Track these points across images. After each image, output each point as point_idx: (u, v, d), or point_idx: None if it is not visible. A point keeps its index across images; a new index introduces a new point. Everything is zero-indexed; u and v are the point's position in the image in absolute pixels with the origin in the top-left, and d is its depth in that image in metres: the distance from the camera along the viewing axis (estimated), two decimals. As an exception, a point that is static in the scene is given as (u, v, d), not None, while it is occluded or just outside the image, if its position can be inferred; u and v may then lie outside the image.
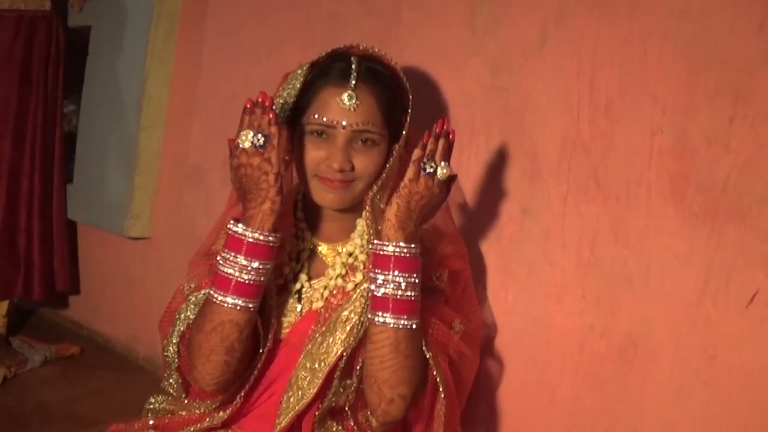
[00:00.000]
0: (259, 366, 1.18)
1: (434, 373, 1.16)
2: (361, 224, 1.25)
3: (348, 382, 1.18)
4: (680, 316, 1.26)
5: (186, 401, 1.29)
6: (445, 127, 1.12)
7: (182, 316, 1.20)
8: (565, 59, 1.43)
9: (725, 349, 1.21)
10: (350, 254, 1.24)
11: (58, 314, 2.89)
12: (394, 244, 1.09)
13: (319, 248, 1.27)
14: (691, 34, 1.26)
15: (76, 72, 2.64)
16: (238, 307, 1.08)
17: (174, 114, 2.43)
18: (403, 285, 1.09)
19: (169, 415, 1.31)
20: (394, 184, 1.17)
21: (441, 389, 1.16)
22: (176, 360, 1.22)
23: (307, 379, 1.18)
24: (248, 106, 1.08)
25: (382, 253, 1.10)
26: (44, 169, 2.49)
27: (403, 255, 1.09)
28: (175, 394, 1.28)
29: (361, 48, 1.21)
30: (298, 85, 1.18)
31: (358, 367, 1.16)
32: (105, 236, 2.63)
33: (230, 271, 1.07)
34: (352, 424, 1.21)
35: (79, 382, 2.28)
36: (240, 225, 1.08)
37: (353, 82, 1.15)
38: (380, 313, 1.09)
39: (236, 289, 1.07)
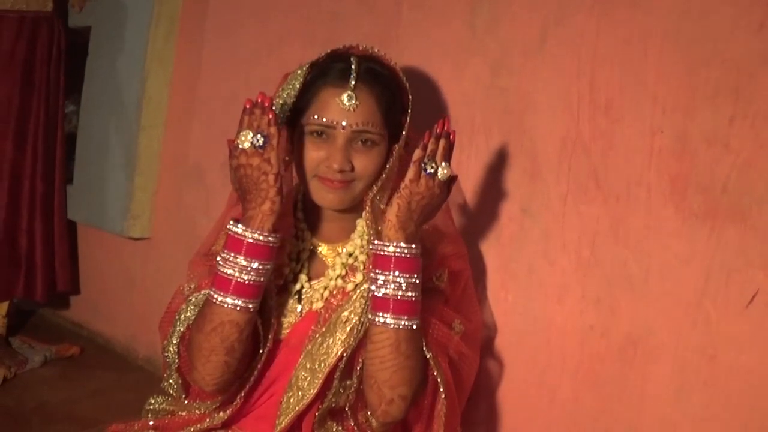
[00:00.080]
0: (259, 366, 1.18)
1: (434, 374, 1.16)
2: (361, 224, 1.25)
3: (348, 382, 1.18)
4: (680, 316, 1.26)
5: (186, 402, 1.29)
6: (445, 128, 1.12)
7: (182, 316, 1.20)
8: (565, 59, 1.43)
9: (725, 349, 1.21)
10: (350, 255, 1.24)
11: (58, 314, 2.89)
12: (394, 244, 1.09)
13: (319, 249, 1.27)
14: (691, 34, 1.26)
15: (76, 72, 2.64)
16: (238, 308, 1.08)
17: (174, 114, 2.43)
18: (403, 285, 1.09)
19: (169, 416, 1.31)
20: (394, 184, 1.17)
21: (441, 389, 1.16)
22: (176, 360, 1.22)
23: (307, 379, 1.18)
24: (248, 106, 1.08)
25: (382, 253, 1.10)
26: (46, 169, 2.49)
27: (403, 255, 1.09)
28: (175, 394, 1.28)
29: (360, 48, 1.21)
30: (297, 86, 1.18)
31: (358, 368, 1.16)
32: (105, 236, 2.63)
33: (230, 271, 1.07)
34: (352, 424, 1.21)
35: (79, 383, 2.28)
36: (240, 225, 1.08)
37: (353, 82, 1.15)
38: (381, 314, 1.09)
39: (236, 290, 1.07)
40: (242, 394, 1.20)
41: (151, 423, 1.30)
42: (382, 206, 1.15)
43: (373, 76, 1.17)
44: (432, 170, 1.10)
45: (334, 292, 1.23)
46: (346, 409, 1.20)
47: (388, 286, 1.09)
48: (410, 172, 1.10)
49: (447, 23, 1.63)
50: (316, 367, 1.18)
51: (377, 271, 1.10)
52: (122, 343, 2.60)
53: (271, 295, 1.18)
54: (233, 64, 2.19)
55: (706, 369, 1.23)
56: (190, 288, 1.23)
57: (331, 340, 1.18)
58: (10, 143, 2.39)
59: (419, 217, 1.12)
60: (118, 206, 2.48)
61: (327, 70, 1.17)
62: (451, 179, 1.14)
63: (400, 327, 1.09)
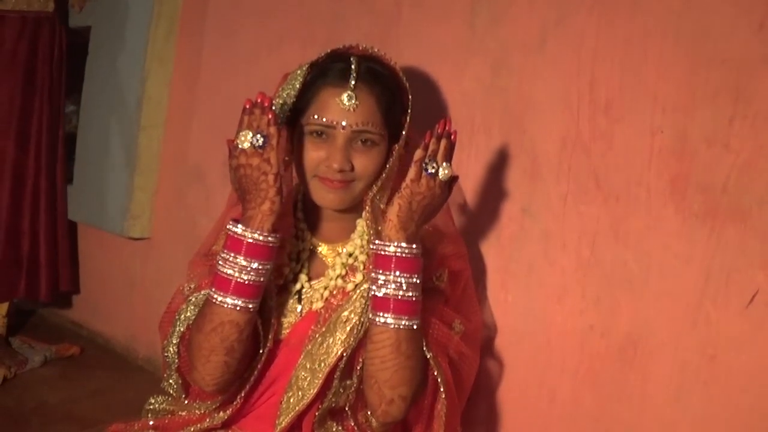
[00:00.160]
0: (259, 366, 1.18)
1: (435, 374, 1.16)
2: (361, 224, 1.25)
3: (348, 382, 1.18)
4: (680, 316, 1.26)
5: (186, 402, 1.29)
6: (447, 128, 1.12)
7: (182, 316, 1.20)
8: (565, 59, 1.43)
9: (725, 349, 1.21)
10: (350, 254, 1.24)
11: (58, 314, 2.88)
12: (395, 244, 1.09)
13: (319, 249, 1.27)
14: (691, 34, 1.26)
15: (76, 72, 2.64)
16: (238, 308, 1.08)
17: (174, 114, 2.43)
18: (404, 285, 1.09)
19: (169, 416, 1.31)
20: (394, 184, 1.17)
21: (442, 389, 1.16)
22: (176, 360, 1.22)
23: (307, 379, 1.18)
24: (247, 106, 1.08)
25: (383, 253, 1.10)
26: (49, 169, 2.49)
27: (404, 255, 1.09)
28: (174, 394, 1.28)
29: (360, 48, 1.21)
30: (297, 86, 1.18)
31: (358, 368, 1.16)
32: (105, 236, 2.63)
33: (230, 271, 1.07)
34: (352, 424, 1.21)
35: (78, 383, 2.28)
36: (239, 225, 1.07)
37: (353, 82, 1.15)
38: (381, 314, 1.09)
39: (236, 290, 1.07)
40: (242, 394, 1.20)
41: (151, 423, 1.30)
42: (382, 206, 1.15)
43: (373, 76, 1.17)
44: (433, 170, 1.10)
45: (334, 292, 1.23)
46: (346, 408, 1.20)
47: (389, 286, 1.09)
48: (411, 172, 1.10)
49: (447, 23, 1.63)
50: (316, 366, 1.18)
51: (378, 270, 1.10)
52: (122, 343, 2.60)
53: (271, 295, 1.18)
54: (233, 64, 2.19)
55: (706, 369, 1.23)
56: (190, 288, 1.23)
57: (331, 340, 1.18)
58: (12, 143, 2.39)
59: (420, 217, 1.12)
60: (118, 206, 2.47)
61: (327, 70, 1.17)
62: (452, 179, 1.14)
63: (401, 327, 1.09)
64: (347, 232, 1.26)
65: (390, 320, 1.09)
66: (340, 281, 1.23)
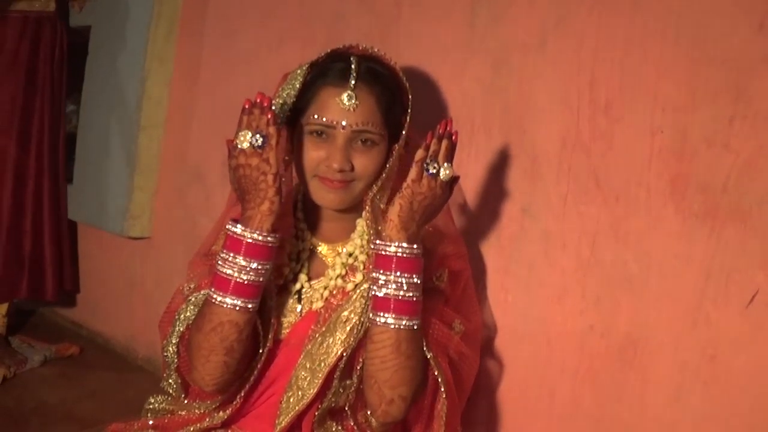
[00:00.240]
0: (259, 366, 1.18)
1: (435, 374, 1.16)
2: (361, 224, 1.25)
3: (348, 382, 1.18)
4: (680, 316, 1.26)
5: (185, 401, 1.29)
6: (448, 129, 1.12)
7: (182, 316, 1.20)
8: (565, 59, 1.43)
9: (725, 349, 1.21)
10: (350, 254, 1.24)
11: (57, 314, 2.89)
12: (396, 244, 1.09)
13: (319, 248, 1.27)
14: (691, 34, 1.26)
15: (76, 72, 2.64)
16: (238, 308, 1.07)
17: (174, 114, 2.43)
18: (404, 285, 1.09)
19: (169, 415, 1.31)
20: (393, 184, 1.17)
21: (443, 389, 1.16)
22: (176, 360, 1.22)
23: (307, 379, 1.18)
24: (246, 106, 1.08)
25: (384, 253, 1.09)
26: (52, 168, 2.50)
27: (405, 255, 1.09)
28: (174, 394, 1.28)
29: (360, 48, 1.21)
30: (297, 85, 1.18)
31: (358, 368, 1.16)
32: (105, 236, 2.63)
33: (229, 271, 1.07)
34: (351, 424, 1.21)
35: (78, 382, 2.28)
36: (239, 226, 1.07)
37: (353, 82, 1.15)
38: (381, 314, 1.09)
39: (235, 290, 1.07)
40: (242, 394, 1.20)
41: (150, 422, 1.30)
42: (382, 206, 1.15)
43: (373, 76, 1.17)
44: (434, 170, 1.10)
45: (334, 292, 1.23)
46: (346, 408, 1.20)
47: (389, 286, 1.09)
48: (412, 172, 1.10)
49: (447, 23, 1.63)
50: (316, 366, 1.18)
51: (378, 270, 1.10)
52: (122, 342, 2.60)
53: (271, 295, 1.18)
54: (233, 64, 2.18)
55: (706, 369, 1.23)
56: (189, 288, 1.23)
57: (331, 340, 1.18)
58: (14, 143, 2.40)
59: (421, 218, 1.12)
60: (117, 206, 2.48)
61: (327, 70, 1.17)
62: (453, 180, 1.14)
63: (401, 327, 1.09)
64: (347, 231, 1.26)
65: (390, 320, 1.09)
66: (340, 281, 1.23)
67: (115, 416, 1.37)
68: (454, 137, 1.12)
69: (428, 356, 1.15)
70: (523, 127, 1.49)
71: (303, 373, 1.18)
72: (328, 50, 1.21)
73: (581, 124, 1.40)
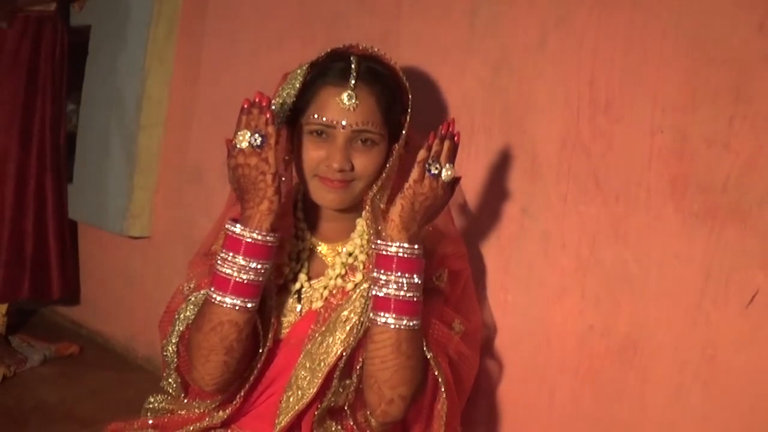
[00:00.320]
0: (258, 366, 1.18)
1: (435, 373, 1.16)
2: (360, 224, 1.25)
3: (347, 382, 1.18)
4: (680, 316, 1.26)
5: (185, 401, 1.29)
6: (450, 129, 1.12)
7: (182, 316, 1.20)
8: (565, 59, 1.43)
9: (725, 349, 1.21)
10: (350, 254, 1.24)
11: (57, 313, 2.89)
12: (397, 244, 1.09)
13: (319, 248, 1.27)
14: (691, 34, 1.26)
15: (76, 71, 2.64)
16: (237, 307, 1.07)
17: (174, 113, 2.43)
18: (405, 286, 1.09)
19: (169, 415, 1.31)
20: (393, 183, 1.17)
21: (443, 389, 1.16)
22: (175, 360, 1.22)
23: (307, 378, 1.18)
24: (245, 106, 1.07)
25: (384, 253, 1.09)
26: (54, 167, 2.50)
27: (406, 256, 1.09)
28: (174, 393, 1.28)
29: (360, 48, 1.21)
30: (297, 85, 1.18)
31: (357, 367, 1.16)
32: (105, 236, 2.63)
33: (229, 271, 1.07)
34: (351, 423, 1.21)
35: (78, 381, 2.28)
36: (238, 225, 1.07)
37: (353, 81, 1.15)
38: (382, 314, 1.09)
39: (235, 289, 1.07)
40: (242, 393, 1.20)
41: (150, 422, 1.30)
42: (382, 206, 1.15)
43: (373, 76, 1.17)
44: (436, 171, 1.10)
45: (334, 292, 1.23)
46: (346, 408, 1.20)
47: (390, 286, 1.09)
48: (414, 173, 1.10)
49: (447, 23, 1.63)
50: (316, 366, 1.18)
51: (379, 270, 1.10)
52: (122, 342, 2.60)
53: (271, 295, 1.18)
54: (233, 63, 2.18)
55: (705, 369, 1.23)
56: (189, 287, 1.23)
57: (330, 340, 1.18)
58: (15, 142, 2.40)
59: (422, 218, 1.12)
60: (117, 205, 2.48)
61: (327, 70, 1.17)
62: (455, 180, 1.14)
63: (402, 327, 1.09)
64: (347, 231, 1.26)
65: (391, 320, 1.09)
66: (339, 281, 1.23)
67: (114, 415, 1.37)
68: (456, 138, 1.12)
69: (428, 356, 1.15)
70: (523, 127, 1.49)
71: (303, 372, 1.18)
72: (328, 50, 1.21)
73: (581, 124, 1.40)
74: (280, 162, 1.14)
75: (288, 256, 1.25)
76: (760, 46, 1.18)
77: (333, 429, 1.23)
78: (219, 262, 1.08)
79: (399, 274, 1.08)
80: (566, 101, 1.42)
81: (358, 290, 1.20)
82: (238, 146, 1.07)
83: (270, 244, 1.08)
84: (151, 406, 1.34)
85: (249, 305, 1.08)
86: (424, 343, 1.15)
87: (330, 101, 1.15)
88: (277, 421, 1.19)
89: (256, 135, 1.06)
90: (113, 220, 2.49)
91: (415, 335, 1.11)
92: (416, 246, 1.10)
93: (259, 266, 1.07)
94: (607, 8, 1.37)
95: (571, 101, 1.41)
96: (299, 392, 1.18)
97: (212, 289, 1.09)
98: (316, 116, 1.15)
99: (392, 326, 1.09)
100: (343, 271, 1.23)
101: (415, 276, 1.09)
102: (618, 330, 1.35)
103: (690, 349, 1.25)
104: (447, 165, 1.11)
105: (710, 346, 1.23)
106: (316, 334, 1.19)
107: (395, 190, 1.14)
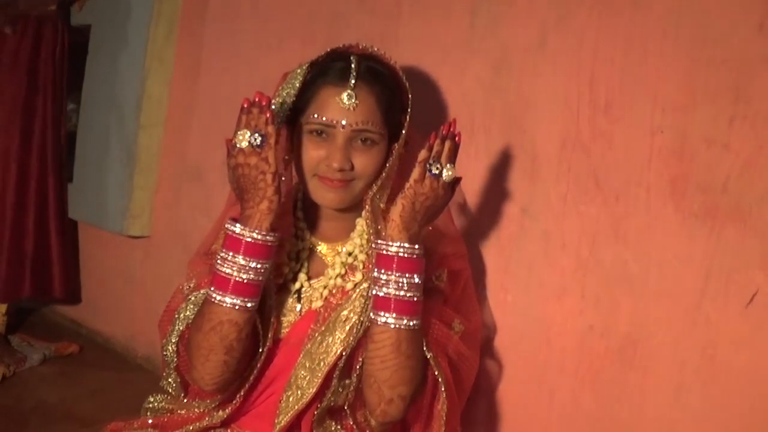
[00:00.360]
0: (258, 365, 1.18)
1: (435, 373, 1.16)
2: (360, 224, 1.25)
3: (347, 381, 1.18)
4: (680, 316, 1.26)
5: (185, 400, 1.29)
6: (451, 129, 1.12)
7: (181, 315, 1.20)
8: (565, 59, 1.43)
9: (725, 349, 1.21)
10: (350, 254, 1.24)
11: (57, 313, 2.88)
12: (397, 244, 1.09)
13: (319, 248, 1.27)
14: (691, 34, 1.26)
15: (76, 70, 2.64)
16: (237, 307, 1.07)
17: (174, 113, 2.43)
18: (405, 285, 1.09)
19: (168, 414, 1.31)
20: (393, 183, 1.17)
21: (443, 389, 1.16)
22: (175, 359, 1.22)
23: (307, 378, 1.18)
24: (245, 105, 1.07)
25: (385, 253, 1.09)
26: (55, 167, 2.50)
27: (406, 256, 1.09)
28: (173, 393, 1.28)
29: (360, 47, 1.21)
30: (297, 85, 1.18)
31: (357, 367, 1.16)
32: (105, 235, 2.63)
33: (229, 270, 1.07)
34: (350, 423, 1.21)
35: (78, 381, 2.28)
36: (238, 225, 1.07)
37: (353, 81, 1.15)
38: (382, 313, 1.09)
39: (235, 289, 1.07)
40: (242, 393, 1.20)
41: (150, 421, 1.30)
42: (381, 205, 1.15)
43: (372, 75, 1.17)
44: (437, 171, 1.10)
45: (334, 291, 1.23)
46: (345, 408, 1.20)
47: (390, 286, 1.09)
48: (415, 173, 1.10)
49: (447, 23, 1.63)
50: (316, 366, 1.18)
51: (379, 270, 1.10)
52: (121, 341, 2.60)
53: (271, 294, 1.18)
54: (233, 63, 2.18)
55: (705, 369, 1.23)
56: (189, 287, 1.23)
57: (330, 339, 1.18)
58: (16, 142, 2.40)
59: (423, 218, 1.12)
60: (117, 205, 2.48)
61: (327, 69, 1.17)
62: (456, 181, 1.14)
63: (402, 327, 1.09)
64: (347, 231, 1.26)
65: (391, 320, 1.09)
66: (339, 280, 1.23)
67: (114, 415, 1.37)
68: (457, 138, 1.12)
69: (428, 356, 1.15)
70: (523, 127, 1.49)
71: (302, 372, 1.18)
72: (328, 49, 1.21)
73: (581, 124, 1.40)
74: (280, 161, 1.14)
75: (288, 256, 1.25)
76: (760, 46, 1.18)
77: (333, 429, 1.23)
78: (219, 261, 1.08)
79: (399, 273, 1.08)
80: (566, 101, 1.42)
81: (357, 290, 1.20)
82: (238, 146, 1.07)
83: (270, 244, 1.08)
84: (150, 405, 1.34)
85: (249, 305, 1.08)
86: (424, 343, 1.15)
87: (330, 101, 1.15)
88: (276, 421, 1.19)
89: (256, 135, 1.06)
90: (113, 219, 2.49)
91: (415, 335, 1.11)
92: (417, 246, 1.10)
93: (258, 266, 1.07)
94: (607, 8, 1.37)
95: (571, 101, 1.41)
96: (299, 392, 1.18)
97: (212, 288, 1.09)
98: (316, 116, 1.15)
99: (392, 326, 1.09)
100: (342, 271, 1.23)
101: (415, 276, 1.09)
102: (618, 330, 1.35)
103: (690, 349, 1.25)
104: (448, 165, 1.11)
105: (710, 346, 1.23)
106: (316, 334, 1.19)
107: (395, 190, 1.14)
